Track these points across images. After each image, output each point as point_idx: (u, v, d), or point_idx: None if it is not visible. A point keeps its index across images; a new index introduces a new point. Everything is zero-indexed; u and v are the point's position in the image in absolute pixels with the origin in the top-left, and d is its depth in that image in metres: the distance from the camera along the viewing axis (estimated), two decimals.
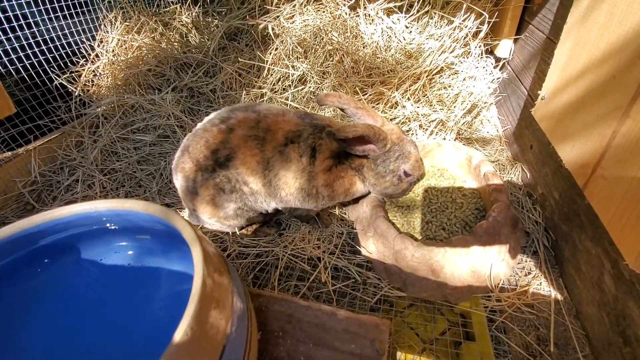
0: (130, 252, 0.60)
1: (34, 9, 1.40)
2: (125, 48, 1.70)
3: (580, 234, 0.95)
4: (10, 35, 1.32)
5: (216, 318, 0.43)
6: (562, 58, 1.08)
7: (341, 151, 1.05)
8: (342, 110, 1.07)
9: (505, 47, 1.70)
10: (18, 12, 1.34)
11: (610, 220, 0.75)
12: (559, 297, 0.94)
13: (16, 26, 1.35)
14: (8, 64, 1.32)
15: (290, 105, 1.55)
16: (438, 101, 1.57)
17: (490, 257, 0.99)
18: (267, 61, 1.61)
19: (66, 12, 1.50)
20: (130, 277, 0.60)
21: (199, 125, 1.11)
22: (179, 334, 0.36)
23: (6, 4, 1.32)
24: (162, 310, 0.58)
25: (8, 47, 1.32)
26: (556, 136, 1.05)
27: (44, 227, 0.53)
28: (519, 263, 1.04)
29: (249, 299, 0.55)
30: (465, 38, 1.60)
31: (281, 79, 1.63)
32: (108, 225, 0.54)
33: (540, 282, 0.98)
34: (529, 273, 1.01)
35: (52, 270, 0.56)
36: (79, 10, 1.55)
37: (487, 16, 1.53)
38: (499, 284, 0.98)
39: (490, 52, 1.77)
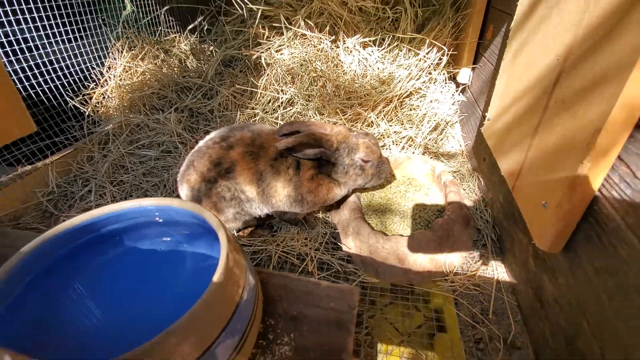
0: (167, 239, 0.78)
1: (52, 40, 1.59)
2: (131, 73, 1.89)
3: (515, 228, 1.19)
4: (31, 62, 1.50)
5: (235, 280, 0.62)
6: (500, 88, 1.35)
7: (320, 162, 1.26)
8: (297, 132, 1.21)
9: (464, 74, 1.99)
10: (38, 42, 1.52)
11: (526, 213, 0.99)
12: (500, 278, 1.16)
13: (36, 55, 1.53)
14: (29, 88, 1.49)
15: (280, 124, 1.77)
16: (408, 120, 1.82)
17: (445, 247, 1.21)
18: (259, 86, 1.84)
19: (80, 43, 1.69)
20: (167, 257, 0.78)
21: (201, 143, 1.31)
22: (216, 276, 0.55)
23: (27, 35, 1.50)
24: (188, 280, 0.77)
25: (29, 74, 1.50)
26: (497, 151, 1.30)
27: (101, 218, 0.71)
28: (470, 253, 1.27)
29: (256, 273, 0.74)
30: (429, 67, 1.87)
31: (272, 101, 1.85)
32: (157, 218, 0.73)
33: (487, 268, 1.21)
34: (478, 261, 1.24)
35: (109, 251, 0.74)
36: (91, 40, 1.75)
37: (446, 50, 1.81)
38: (453, 270, 1.20)
39: (453, 78, 2.06)
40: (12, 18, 1.40)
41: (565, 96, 0.83)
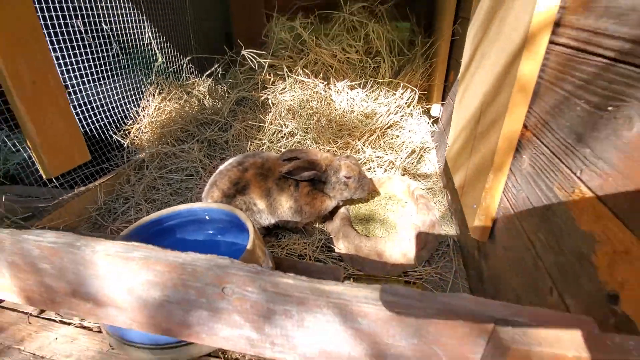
0: (206, 232, 1.12)
1: (102, 88, 2.00)
2: (161, 112, 2.30)
3: (466, 230, 1.52)
4: (88, 106, 1.90)
5: (259, 256, 0.95)
6: (454, 121, 1.74)
7: (314, 181, 1.62)
8: (296, 157, 1.56)
9: (436, 109, 2.40)
10: (93, 90, 1.93)
11: (466, 214, 1.33)
12: (458, 268, 1.48)
13: (92, 99, 1.94)
14: (85, 126, 1.88)
15: (282, 152, 2.14)
16: (389, 147, 2.20)
17: (415, 245, 1.54)
18: (266, 121, 2.24)
19: (122, 89, 2.11)
20: (206, 244, 1.11)
21: (222, 167, 1.67)
22: (249, 245, 0.87)
23: (86, 84, 1.92)
24: None
25: (87, 115, 1.90)
26: (453, 170, 1.66)
27: (167, 216, 1.06)
28: (436, 250, 1.59)
29: (272, 257, 1.08)
30: (405, 105, 2.28)
31: (276, 133, 2.24)
32: (206, 217, 1.08)
33: (448, 261, 1.53)
34: (442, 257, 1.56)
35: (168, 239, 1.07)
36: (131, 87, 2.17)
37: (417, 90, 2.23)
38: (422, 263, 1.52)
39: (427, 111, 2.47)
40: (71, 67, 1.82)
41: (483, 130, 1.21)
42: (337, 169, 1.58)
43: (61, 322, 1.01)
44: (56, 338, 0.95)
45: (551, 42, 0.85)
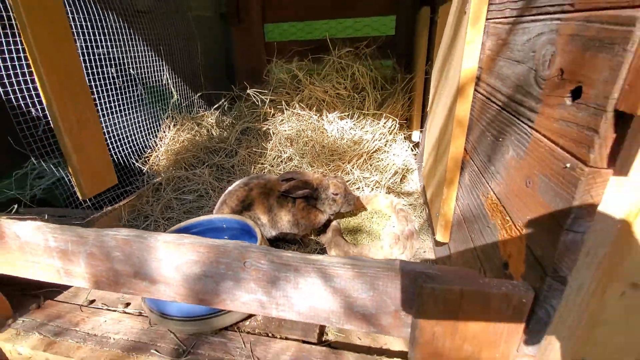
0: (226, 237, 1.40)
1: (126, 122, 2.33)
2: (175, 141, 2.63)
3: None
4: (116, 138, 2.23)
5: None
6: (425, 145, 2.06)
7: (308, 198, 1.91)
8: (292, 178, 1.87)
9: (416, 135, 2.75)
10: (120, 124, 2.26)
11: (433, 222, 1.61)
12: None
13: (119, 132, 2.26)
14: (113, 155, 2.20)
15: (281, 174, 2.45)
16: (375, 169, 2.52)
17: (395, 251, 1.81)
18: (267, 148, 2.56)
19: (143, 123, 2.45)
20: None
21: (230, 187, 1.96)
22: (258, 241, 1.15)
23: (113, 120, 2.25)
24: None
25: (114, 145, 2.22)
26: (426, 186, 1.97)
27: (191, 225, 1.34)
28: (415, 255, 1.86)
29: None
30: (388, 132, 2.62)
31: (276, 158, 2.56)
32: (223, 225, 1.36)
33: (425, 262, 1.79)
34: (420, 259, 1.83)
35: None
36: (150, 120, 2.51)
37: (398, 120, 2.58)
38: None
39: (409, 137, 2.81)
40: (103, 105, 2.16)
41: (440, 153, 1.52)
42: (326, 187, 1.88)
43: (107, 309, 1.27)
44: (105, 321, 1.21)
45: (476, 90, 1.18)
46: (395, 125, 2.58)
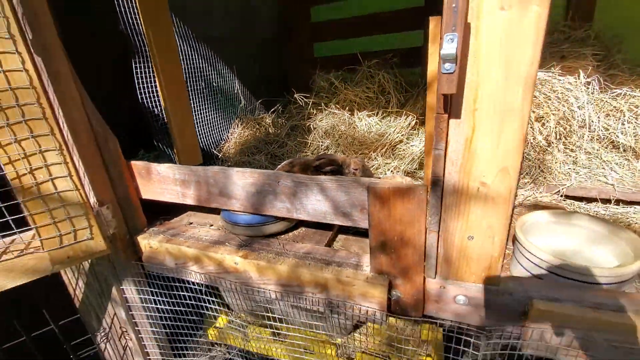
0: None
1: (210, 120, 3.22)
2: (241, 136, 3.47)
3: None
4: (202, 131, 3.11)
5: None
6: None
7: (334, 172, 2.53)
8: (323, 158, 2.55)
9: None
10: (204, 121, 3.15)
11: None
12: None
13: (203, 127, 3.15)
14: (200, 143, 3.09)
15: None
16: (395, 157, 3.04)
17: None
18: (309, 139, 3.25)
19: (222, 121, 3.33)
20: None
21: (279, 166, 2.68)
22: None
23: (204, 118, 3.15)
24: None
25: (200, 136, 3.10)
26: None
27: None
28: None
29: None
30: (409, 127, 3.13)
31: (316, 148, 3.23)
32: None
33: None
34: None
35: None
36: (226, 119, 3.39)
37: (416, 117, 3.08)
38: None
39: None
40: (194, 107, 3.05)
41: None
42: (349, 164, 2.48)
43: (200, 227, 2.04)
44: (199, 231, 1.96)
45: None
46: (415, 121, 3.09)
